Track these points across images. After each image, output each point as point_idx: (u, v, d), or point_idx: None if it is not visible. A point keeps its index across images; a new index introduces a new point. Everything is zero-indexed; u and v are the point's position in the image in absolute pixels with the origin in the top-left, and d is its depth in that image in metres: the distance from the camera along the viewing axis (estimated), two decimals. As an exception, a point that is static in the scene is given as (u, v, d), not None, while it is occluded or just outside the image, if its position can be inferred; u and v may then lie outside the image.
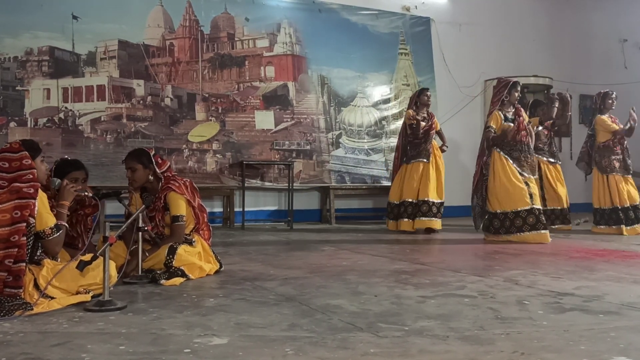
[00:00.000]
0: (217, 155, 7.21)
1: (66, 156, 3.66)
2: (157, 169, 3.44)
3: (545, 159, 6.79)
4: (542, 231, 5.26)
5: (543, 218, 5.32)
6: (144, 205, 3.00)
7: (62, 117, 6.56)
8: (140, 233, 3.17)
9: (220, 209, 7.38)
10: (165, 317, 2.44)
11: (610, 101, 6.45)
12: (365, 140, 8.17)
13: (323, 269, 3.82)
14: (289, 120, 7.74)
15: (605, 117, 6.42)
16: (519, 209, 5.29)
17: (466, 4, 9.21)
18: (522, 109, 5.64)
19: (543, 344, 2.05)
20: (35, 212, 2.57)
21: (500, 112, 5.50)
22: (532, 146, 5.55)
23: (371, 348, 2.01)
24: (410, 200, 6.37)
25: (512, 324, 2.34)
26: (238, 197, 7.18)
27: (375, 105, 8.33)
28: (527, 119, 5.63)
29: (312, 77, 8.00)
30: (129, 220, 2.87)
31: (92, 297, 2.70)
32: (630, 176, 6.42)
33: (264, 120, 7.59)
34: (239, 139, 7.39)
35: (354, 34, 8.31)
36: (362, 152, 8.11)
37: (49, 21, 6.61)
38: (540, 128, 7.02)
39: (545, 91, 9.24)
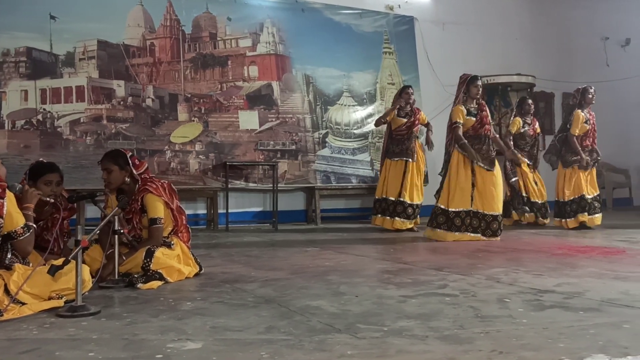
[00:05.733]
0: (200, 156, 7.15)
1: (41, 159, 3.58)
2: (134, 171, 3.38)
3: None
4: (476, 234, 5.33)
5: (476, 222, 5.35)
6: (116, 208, 2.93)
7: (41, 119, 6.46)
8: (116, 236, 3.11)
9: (204, 211, 7.32)
10: (139, 322, 2.39)
11: (590, 96, 6.50)
12: (352, 139, 8.14)
13: (305, 269, 3.77)
14: (273, 120, 7.69)
15: (582, 114, 6.46)
16: (459, 210, 5.34)
17: (449, 3, 9.23)
18: (485, 105, 5.63)
19: (522, 342, 2.03)
20: (4, 213, 2.50)
21: (462, 106, 5.50)
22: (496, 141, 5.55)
23: (348, 350, 1.97)
24: (392, 198, 6.36)
25: (492, 322, 2.32)
26: (222, 198, 7.12)
27: (361, 103, 8.31)
28: (489, 114, 5.61)
29: (297, 77, 7.96)
30: (102, 223, 2.80)
31: (65, 302, 2.63)
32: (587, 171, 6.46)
33: (248, 120, 7.54)
34: (223, 140, 7.33)
35: (338, 33, 8.28)
36: (349, 152, 8.08)
37: (27, 21, 6.50)
38: (526, 128, 7.09)
39: (528, 89, 9.27)
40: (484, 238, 5.34)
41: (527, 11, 9.87)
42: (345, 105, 8.21)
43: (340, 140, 8.07)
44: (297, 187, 7.78)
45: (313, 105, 8.00)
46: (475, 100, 5.56)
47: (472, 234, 5.35)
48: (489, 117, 5.57)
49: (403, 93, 6.56)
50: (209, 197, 7.15)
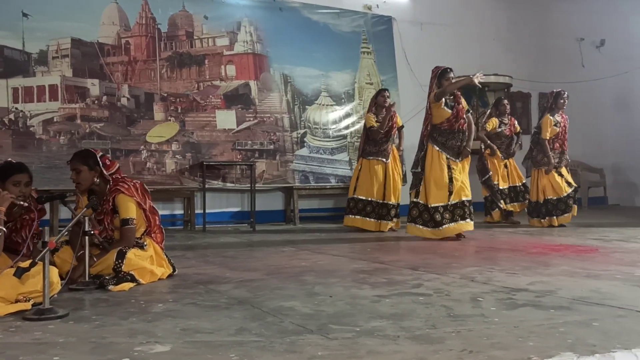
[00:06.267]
0: (177, 156, 7.07)
1: (9, 159, 3.50)
2: (104, 171, 3.32)
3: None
4: (460, 222, 5.32)
5: (460, 211, 5.35)
6: (85, 208, 2.88)
7: (13, 119, 6.33)
8: (86, 237, 3.05)
9: (181, 211, 7.25)
10: (108, 325, 2.34)
11: (562, 101, 6.60)
12: (330, 139, 8.12)
13: (281, 270, 3.75)
14: (251, 119, 7.64)
15: (551, 118, 6.55)
16: (438, 205, 5.33)
17: (427, 3, 9.27)
18: (460, 96, 5.54)
19: (492, 341, 2.03)
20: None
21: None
22: (471, 135, 5.53)
23: (319, 351, 1.95)
24: (378, 200, 6.34)
25: (464, 321, 2.32)
26: (199, 198, 7.05)
27: (339, 103, 8.30)
28: (466, 106, 5.55)
29: (275, 76, 7.92)
30: (70, 224, 2.75)
31: (33, 305, 2.57)
32: (555, 169, 6.57)
33: (226, 119, 7.48)
34: (200, 139, 7.26)
35: (316, 33, 8.26)
36: (327, 152, 8.07)
37: (-2, 19, 6.37)
38: (502, 128, 7.18)
39: (506, 89, 9.37)
40: (463, 224, 5.32)
41: (503, 12, 9.96)
42: (323, 105, 8.19)
43: (319, 140, 8.05)
44: (276, 187, 7.75)
45: (291, 104, 7.97)
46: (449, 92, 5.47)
47: (453, 224, 5.32)
48: (464, 110, 5.47)
49: (379, 96, 6.57)
50: (186, 198, 7.08)
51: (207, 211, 6.92)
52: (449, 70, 5.45)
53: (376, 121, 6.40)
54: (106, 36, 6.95)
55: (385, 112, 6.41)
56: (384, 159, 6.40)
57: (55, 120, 6.53)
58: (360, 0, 8.78)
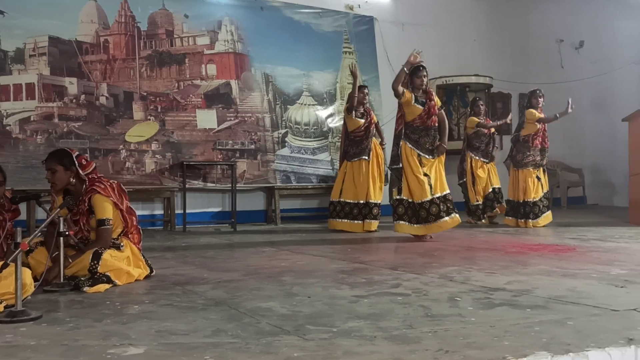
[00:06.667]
0: (157, 155, 7.00)
1: (-17, 158, 3.44)
2: (80, 171, 3.27)
3: (477, 157, 7.13)
4: (445, 218, 5.29)
5: (443, 206, 5.31)
6: (58, 209, 2.83)
7: (-12, 117, 6.22)
8: (61, 238, 3.00)
9: (161, 212, 7.18)
10: (82, 327, 2.31)
11: (535, 100, 6.69)
12: (312, 139, 8.11)
13: (260, 270, 3.73)
14: (232, 119, 7.59)
15: (534, 110, 6.64)
16: (423, 201, 5.30)
17: (409, 3, 9.31)
18: (433, 93, 5.53)
19: (468, 340, 2.04)
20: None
21: (411, 93, 5.38)
22: (445, 131, 5.50)
23: (295, 352, 1.94)
24: (362, 201, 6.34)
25: (440, 321, 2.33)
26: (179, 198, 7.00)
27: (321, 103, 8.29)
28: (439, 103, 5.54)
29: (256, 75, 7.88)
30: (43, 224, 2.70)
31: (6, 307, 2.53)
32: (537, 169, 6.62)
33: (206, 119, 7.42)
34: (180, 139, 7.20)
35: (298, 32, 8.24)
36: (308, 151, 8.05)
37: (-27, 16, 6.26)
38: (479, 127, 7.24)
39: (486, 90, 9.44)
40: (449, 221, 5.30)
41: (483, 14, 10.04)
42: (305, 105, 8.18)
43: (300, 140, 8.04)
44: (257, 187, 7.72)
45: (272, 104, 7.94)
46: (421, 90, 5.42)
47: (439, 222, 5.28)
48: (437, 107, 5.44)
49: (359, 92, 6.57)
50: (166, 198, 7.02)
51: (187, 211, 6.87)
52: (420, 68, 5.39)
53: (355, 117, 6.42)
54: (84, 34, 6.85)
55: (354, 79, 6.43)
56: (366, 157, 6.40)
57: (32, 119, 6.43)
58: (342, 0, 8.78)
